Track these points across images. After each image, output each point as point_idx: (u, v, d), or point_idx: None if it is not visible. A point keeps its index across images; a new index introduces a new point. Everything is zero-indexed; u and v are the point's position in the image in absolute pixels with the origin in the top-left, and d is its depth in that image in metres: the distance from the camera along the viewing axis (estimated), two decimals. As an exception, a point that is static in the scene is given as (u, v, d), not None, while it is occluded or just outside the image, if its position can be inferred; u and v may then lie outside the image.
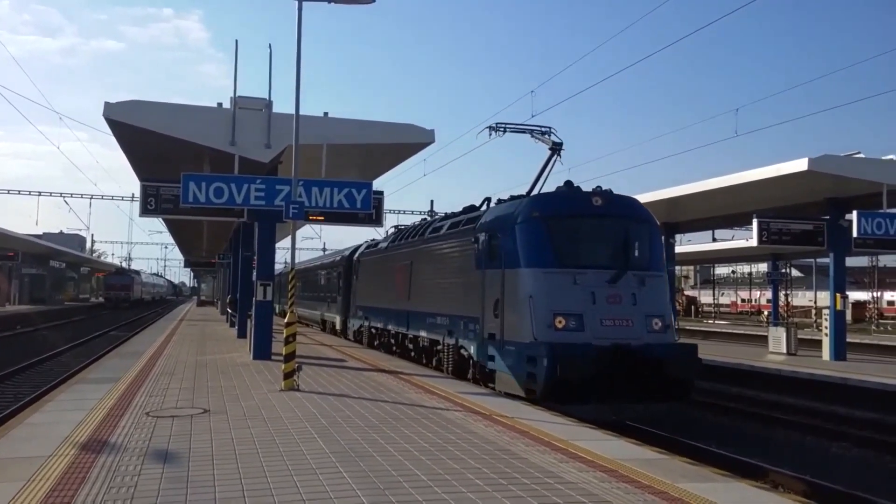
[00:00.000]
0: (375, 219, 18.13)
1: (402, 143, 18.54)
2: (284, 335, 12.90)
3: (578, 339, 11.62)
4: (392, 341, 20.40)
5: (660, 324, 12.26)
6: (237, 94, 16.91)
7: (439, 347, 16.23)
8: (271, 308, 17.77)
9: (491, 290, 13.08)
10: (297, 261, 14.65)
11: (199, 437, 8.44)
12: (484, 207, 15.76)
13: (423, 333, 17.32)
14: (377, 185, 19.07)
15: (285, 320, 13.22)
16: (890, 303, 60.73)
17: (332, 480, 6.54)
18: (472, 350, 13.95)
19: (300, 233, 59.34)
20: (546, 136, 15.02)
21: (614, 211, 12.97)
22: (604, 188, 13.61)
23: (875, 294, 59.08)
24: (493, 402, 11.67)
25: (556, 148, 14.72)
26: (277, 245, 44.10)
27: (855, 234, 19.72)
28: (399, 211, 47.29)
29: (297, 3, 13.42)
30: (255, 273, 17.99)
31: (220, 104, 17.10)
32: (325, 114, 17.60)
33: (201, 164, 18.25)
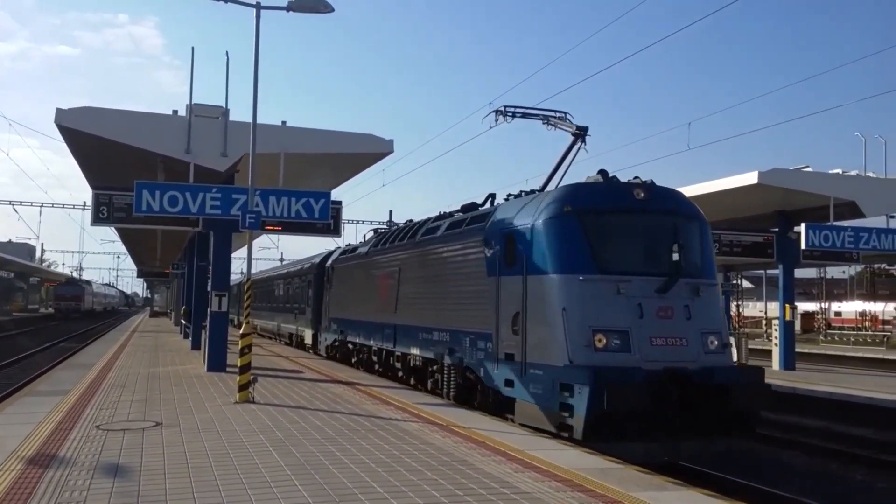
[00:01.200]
0: (334, 229, 17.99)
1: (360, 153, 18.49)
2: (239, 346, 12.74)
3: (625, 362, 9.56)
4: (374, 359, 18.04)
5: (716, 342, 10.26)
6: (193, 102, 16.70)
7: (436, 368, 14.19)
8: (226, 319, 17.53)
9: (508, 301, 11.06)
10: (258, 270, 14.43)
11: (150, 450, 8.28)
12: (488, 205, 14.09)
13: (414, 351, 15.11)
14: (336, 194, 18.97)
15: (240, 331, 13.06)
16: (837, 313, 62.36)
17: (288, 494, 6.47)
18: (482, 373, 11.88)
19: (257, 242, 58.74)
20: (563, 121, 13.31)
21: (661, 205, 10.90)
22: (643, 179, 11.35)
23: (823, 305, 60.64)
24: (450, 412, 11.67)
25: (581, 133, 12.72)
26: (234, 255, 43.54)
27: (803, 246, 20.22)
28: (358, 221, 47.06)
29: (255, 10, 13.36)
30: (210, 283, 17.70)
31: (175, 111, 16.86)
32: (283, 122, 17.48)
33: (155, 173, 17.95)
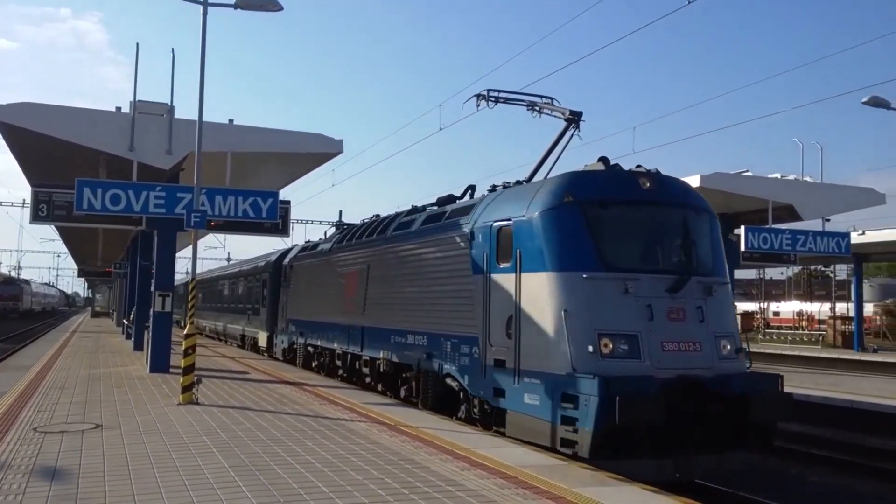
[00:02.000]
0: (282, 229, 17.84)
1: (309, 153, 18.36)
2: (183, 347, 12.54)
3: (635, 369, 8.67)
4: (338, 363, 16.96)
5: (729, 347, 9.44)
6: (137, 99, 16.37)
7: (410, 374, 13.14)
8: (170, 319, 17.24)
9: (498, 301, 10.12)
10: (206, 269, 14.15)
11: (90, 452, 8.11)
12: (467, 198, 13.11)
13: (384, 355, 13.92)
14: (284, 194, 18.83)
15: (184, 332, 12.86)
16: (776, 313, 64.15)
17: (231, 495, 6.41)
18: (466, 381, 10.88)
19: (202, 242, 57.68)
20: (551, 106, 12.38)
21: (669, 197, 10.02)
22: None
23: (762, 305, 62.35)
24: (398, 412, 11.68)
25: (574, 118, 11.63)
26: (179, 254, 42.75)
27: (743, 248, 20.79)
28: (307, 221, 46.59)
29: (201, 6, 13.17)
30: (153, 283, 17.38)
31: (118, 108, 16.51)
32: (230, 121, 17.28)
33: (97, 170, 17.54)
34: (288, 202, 17.61)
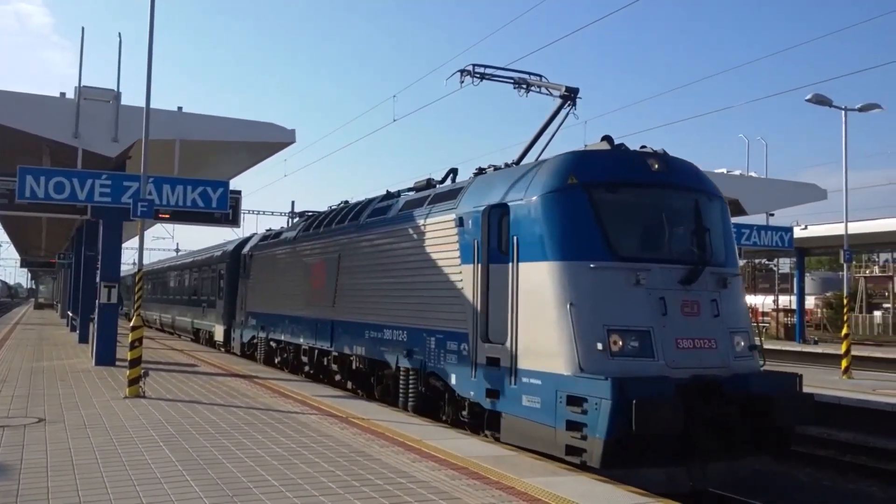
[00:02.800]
0: (232, 219, 17.61)
1: (261, 142, 18.15)
2: (130, 339, 12.30)
3: (648, 369, 7.93)
4: (304, 360, 16.04)
5: (742, 344, 8.76)
6: (83, 84, 15.95)
7: (387, 373, 12.32)
8: (116, 311, 16.90)
9: (492, 293, 9.37)
10: (158, 259, 13.81)
11: (32, 447, 7.90)
12: (449, 182, 12.23)
13: (358, 352, 13.07)
14: (235, 184, 18.55)
15: (130, 324, 12.60)
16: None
17: (178, 489, 6.32)
18: (454, 380, 10.04)
19: (151, 232, 56.65)
20: (528, 85, 11.53)
21: (681, 180, 9.25)
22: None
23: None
24: (350, 404, 11.65)
25: (570, 95, 10.63)
26: (126, 245, 41.82)
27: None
28: (258, 212, 46.04)
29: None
30: (99, 274, 16.99)
31: (63, 94, 16.08)
32: (179, 108, 16.96)
33: (40, 157, 17.06)
34: (239, 192, 17.40)
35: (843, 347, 19.80)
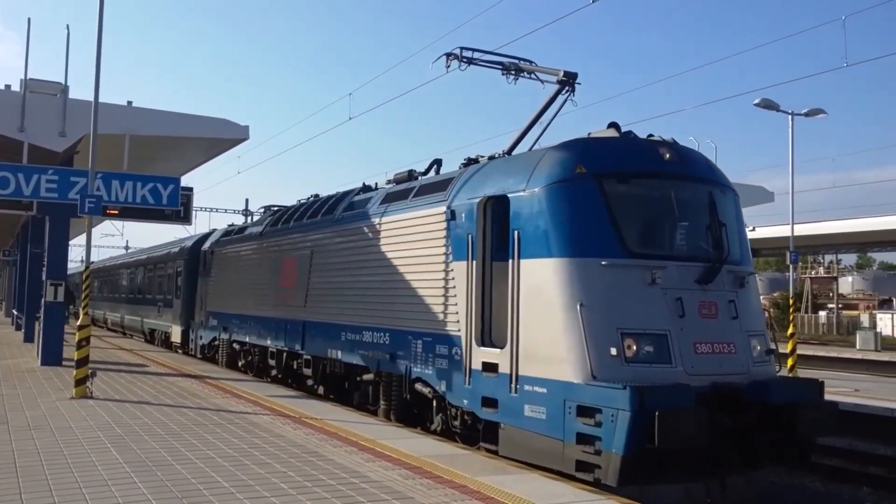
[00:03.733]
0: (184, 216, 17.29)
1: (214, 138, 17.88)
2: (77, 339, 12.02)
3: (666, 376, 7.27)
4: (271, 363, 15.11)
5: (759, 348, 8.18)
6: (29, 77, 15.52)
7: (367, 378, 11.44)
8: (62, 310, 16.50)
9: (490, 293, 8.74)
10: (111, 257, 13.43)
11: (-28, 451, 7.67)
12: (433, 174, 11.47)
13: (334, 355, 12.16)
14: (187, 180, 18.27)
15: (78, 322, 12.32)
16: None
17: (126, 492, 6.19)
18: (444, 387, 9.25)
19: (99, 230, 55.42)
20: (518, 70, 10.77)
21: (695, 171, 8.60)
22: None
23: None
24: (303, 404, 11.56)
25: (569, 80, 9.94)
26: (73, 242, 40.80)
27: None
28: (211, 209, 45.28)
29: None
30: (45, 272, 16.56)
31: (8, 86, 15.62)
32: (129, 103, 16.62)
33: (-17, 152, 16.56)
34: (190, 189, 17.09)
35: (789, 346, 20.31)
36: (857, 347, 34.13)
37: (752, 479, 7.76)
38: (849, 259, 78.67)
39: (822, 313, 61.03)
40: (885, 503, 10.00)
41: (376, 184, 12.77)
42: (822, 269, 69.93)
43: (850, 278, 74.87)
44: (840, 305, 66.26)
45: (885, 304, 68.48)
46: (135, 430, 9.07)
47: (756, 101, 19.85)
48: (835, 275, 69.11)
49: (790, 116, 20.65)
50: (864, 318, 58.85)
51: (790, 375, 8.63)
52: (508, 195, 8.47)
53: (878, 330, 42.09)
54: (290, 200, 17.19)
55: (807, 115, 20.87)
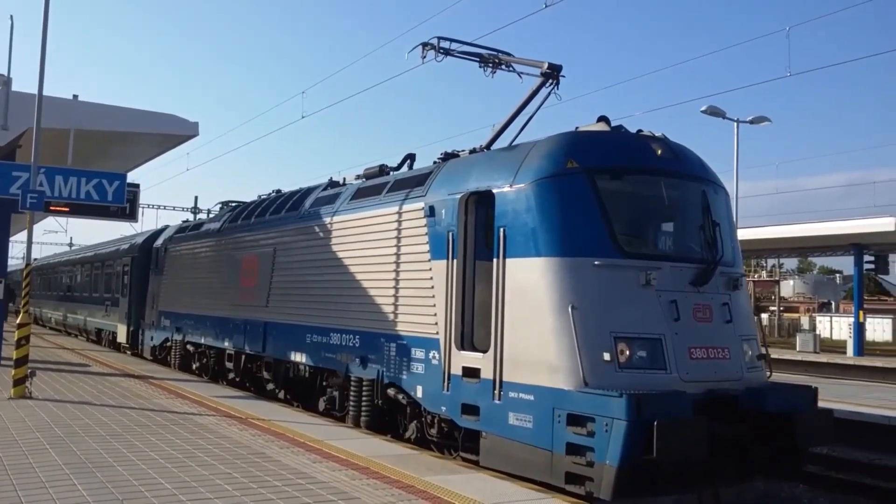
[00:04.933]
0: (130, 213, 17.02)
1: (162, 134, 17.56)
2: (16, 337, 11.70)
3: (661, 383, 6.99)
4: (228, 366, 14.44)
5: (750, 353, 7.93)
6: (-33, 67, 15.02)
7: (334, 382, 10.96)
8: (2, 307, 16.01)
9: (472, 293, 8.29)
10: (55, 254, 13.08)
11: None
12: (406, 169, 10.98)
13: (297, 358, 11.63)
14: (133, 177, 17.92)
15: (17, 321, 11.99)
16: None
17: (65, 495, 6.05)
18: (420, 393, 8.80)
19: (42, 226, 53.94)
20: (497, 63, 10.23)
21: (688, 168, 8.30)
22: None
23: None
24: (249, 404, 11.44)
25: (553, 73, 9.35)
26: (13, 238, 39.63)
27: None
28: (159, 206, 44.46)
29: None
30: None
31: (-55, 76, 15.10)
32: (75, 96, 16.23)
33: (-82, 143, 15.97)
34: (137, 185, 16.92)
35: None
36: (798, 349, 35.12)
37: (744, 490, 7.56)
38: (790, 263, 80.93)
39: (765, 316, 62.64)
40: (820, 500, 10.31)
41: (344, 179, 12.27)
42: (764, 273, 71.81)
43: (791, 282, 76.96)
44: (782, 308, 68.18)
45: (823, 308, 70.74)
46: (75, 430, 8.86)
47: (703, 108, 20.31)
48: (777, 278, 71.03)
49: (735, 123, 21.18)
50: (805, 321, 60.75)
51: (783, 382, 8.35)
52: (494, 191, 8.05)
53: (818, 332, 43.43)
54: (242, 198, 16.78)
55: (752, 122, 21.45)
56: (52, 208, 14.97)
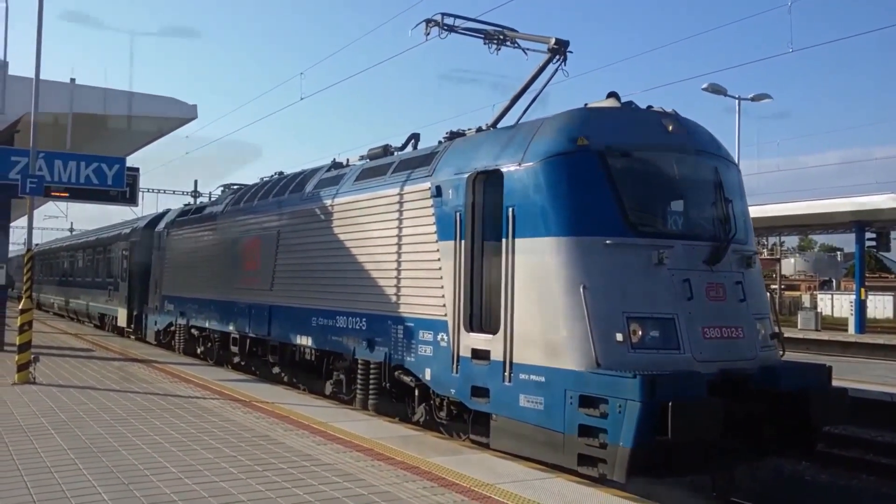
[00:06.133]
0: (130, 197, 17.03)
1: (161, 117, 17.55)
2: (18, 323, 11.71)
3: (675, 363, 6.93)
4: (234, 349, 14.38)
5: (763, 332, 7.86)
6: (-37, 52, 14.97)
7: (341, 365, 10.96)
8: (4, 293, 16.06)
9: (481, 274, 8.20)
10: (56, 238, 13.04)
11: None
12: (410, 148, 10.86)
13: (303, 341, 11.63)
14: (133, 161, 17.93)
15: (20, 306, 12.00)
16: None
17: (70, 479, 6.07)
18: (429, 375, 8.75)
19: (42, 211, 53.84)
20: (502, 39, 10.06)
21: (700, 144, 8.20)
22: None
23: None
24: (253, 388, 11.47)
25: (560, 48, 9.23)
26: (14, 224, 39.64)
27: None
28: (160, 190, 44.35)
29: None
30: (-16, 254, 16.10)
31: (-59, 61, 15.05)
32: (73, 80, 16.16)
33: (-83, 129, 15.96)
34: (137, 169, 16.88)
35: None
36: (799, 327, 35.15)
37: (758, 469, 7.58)
38: (791, 241, 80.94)
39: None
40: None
41: (348, 160, 12.11)
42: (766, 251, 71.81)
43: (792, 260, 77.00)
44: (783, 286, 68.20)
45: (824, 286, 70.78)
46: (79, 415, 8.89)
47: (704, 85, 20.19)
48: (778, 257, 71.04)
49: (737, 101, 21.07)
50: (806, 299, 60.84)
51: (797, 361, 8.31)
52: (502, 169, 7.93)
53: (819, 310, 43.48)
54: (244, 181, 16.68)
55: (753, 99, 21.33)
56: (52, 193, 14.97)
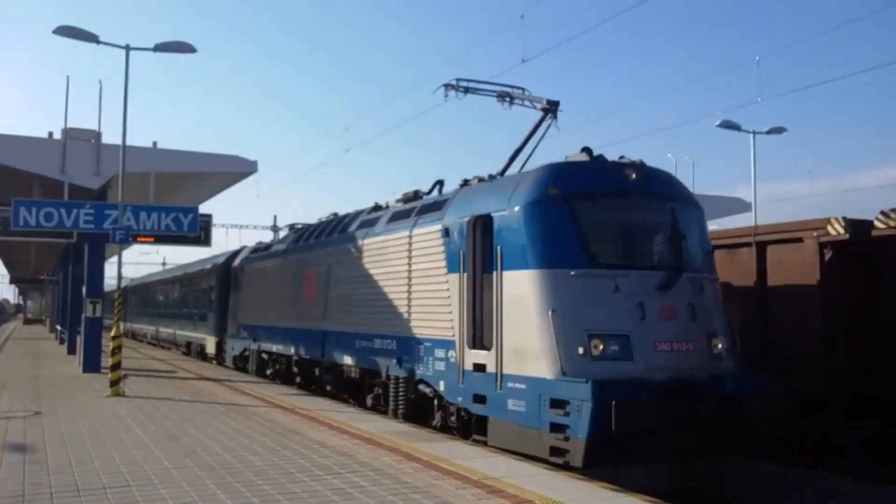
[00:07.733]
0: (204, 240, 19.68)
1: (226, 172, 20.30)
2: (111, 347, 14.41)
3: (628, 371, 8.38)
4: (296, 370, 16.45)
5: (720, 346, 9.20)
6: (67, 126, 18.14)
7: (377, 381, 12.70)
8: (100, 324, 18.96)
9: (477, 301, 9.82)
10: (148, 273, 15.59)
11: (31, 432, 10.02)
12: (435, 193, 12.71)
13: (348, 361, 13.53)
14: (208, 206, 20.66)
15: (111, 333, 14.72)
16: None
17: (144, 454, 8.49)
18: (443, 387, 10.46)
19: (137, 249, 58.58)
20: (511, 98, 11.95)
21: (657, 189, 9.72)
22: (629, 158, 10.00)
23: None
24: (300, 399, 13.75)
25: (551, 108, 11.20)
26: (111, 261, 43.75)
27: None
28: (241, 226, 47.78)
29: (124, 50, 15.08)
30: (84, 290, 19.10)
31: (50, 134, 18.26)
32: (154, 143, 19.12)
33: (31, 189, 19.19)
34: (209, 215, 19.50)
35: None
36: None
37: (711, 465, 8.97)
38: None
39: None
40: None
41: (387, 203, 13.93)
42: None
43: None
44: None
45: None
46: (155, 416, 11.41)
47: (717, 122, 21.65)
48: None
49: (752, 135, 22.40)
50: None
51: (747, 370, 9.60)
52: (493, 214, 9.61)
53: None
54: (312, 217, 19.15)
55: (768, 133, 22.60)
56: (138, 239, 17.82)
